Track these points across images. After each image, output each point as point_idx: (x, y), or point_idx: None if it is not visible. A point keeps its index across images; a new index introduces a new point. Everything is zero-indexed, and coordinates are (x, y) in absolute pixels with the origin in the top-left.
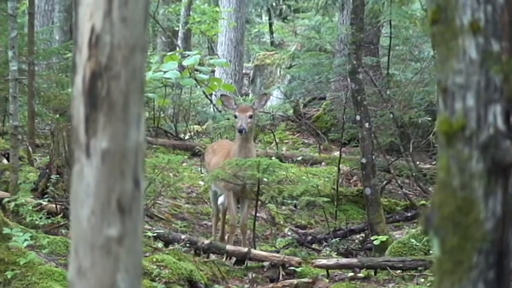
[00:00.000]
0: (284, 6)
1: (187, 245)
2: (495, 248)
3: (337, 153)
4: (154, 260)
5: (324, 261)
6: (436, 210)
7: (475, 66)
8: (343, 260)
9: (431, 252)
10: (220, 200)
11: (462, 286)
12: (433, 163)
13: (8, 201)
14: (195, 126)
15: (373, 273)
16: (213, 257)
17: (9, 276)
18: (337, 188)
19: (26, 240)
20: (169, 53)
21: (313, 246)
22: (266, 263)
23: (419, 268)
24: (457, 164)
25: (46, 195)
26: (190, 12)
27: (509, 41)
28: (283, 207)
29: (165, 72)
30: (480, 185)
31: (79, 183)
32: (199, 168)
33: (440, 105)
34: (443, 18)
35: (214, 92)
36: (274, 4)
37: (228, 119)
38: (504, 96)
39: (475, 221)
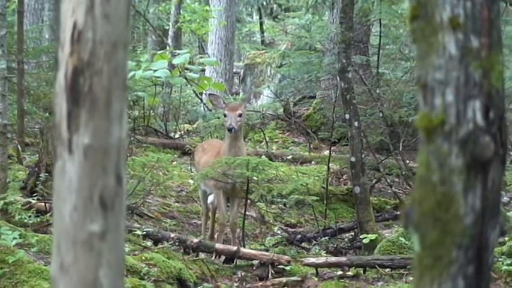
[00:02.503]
0: (275, 5)
1: (177, 243)
2: (474, 243)
3: (327, 152)
4: (143, 258)
5: (313, 260)
6: (415, 206)
7: (455, 62)
8: (332, 259)
9: None
10: (210, 198)
11: (442, 281)
12: None
13: None
14: (185, 125)
15: (362, 271)
16: (202, 255)
17: None
18: (327, 186)
19: (14, 238)
20: (159, 52)
21: (303, 244)
22: (255, 262)
23: (408, 266)
24: (436, 159)
25: (35, 194)
26: (181, 11)
27: (489, 37)
28: (273, 206)
29: (155, 71)
30: (459, 180)
31: (61, 179)
32: (189, 167)
33: (420, 101)
34: (423, 14)
35: (204, 91)
36: (264, 3)
37: (218, 117)
38: (483, 91)
39: (455, 216)
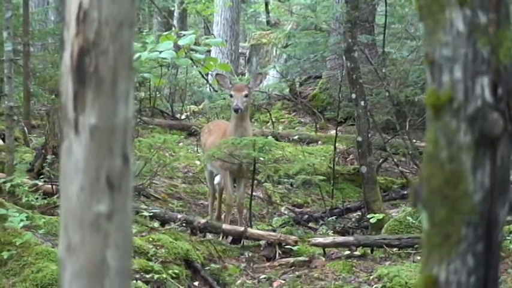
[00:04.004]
0: None
1: (184, 224)
2: (483, 220)
3: (333, 132)
4: (150, 239)
5: (320, 240)
6: (424, 183)
7: (462, 38)
8: (340, 239)
9: None
10: (217, 179)
11: (451, 259)
12: None
13: (4, 182)
14: (191, 106)
15: (369, 251)
16: (209, 236)
17: (5, 257)
18: (334, 166)
19: (22, 220)
20: (165, 33)
21: (310, 224)
22: (262, 242)
23: (416, 246)
24: (444, 136)
25: (42, 176)
26: None
27: (496, 13)
28: (280, 186)
29: (160, 52)
30: (468, 158)
31: (68, 159)
32: (196, 148)
33: (427, 77)
34: None
35: (210, 72)
36: None
37: (224, 98)
38: (491, 68)
39: (463, 193)
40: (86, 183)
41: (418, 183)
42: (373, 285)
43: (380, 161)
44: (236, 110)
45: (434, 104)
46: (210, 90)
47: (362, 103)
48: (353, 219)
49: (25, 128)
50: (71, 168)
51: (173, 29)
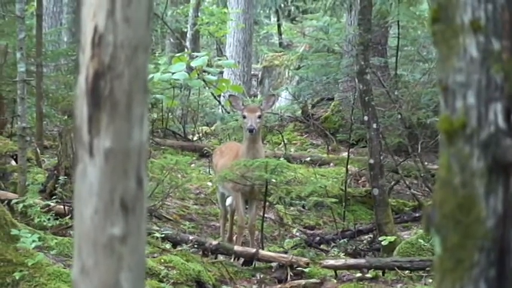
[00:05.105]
0: (292, 8)
1: (195, 245)
2: (496, 246)
3: (345, 154)
4: (162, 260)
5: (332, 262)
6: (437, 208)
7: (476, 64)
8: (351, 261)
9: None
10: (229, 201)
11: (463, 284)
12: None
13: (16, 203)
14: (203, 127)
15: (381, 273)
16: (221, 257)
17: (17, 277)
18: (345, 188)
19: (34, 241)
20: (177, 54)
21: (321, 246)
22: (274, 264)
23: (427, 268)
24: (458, 162)
25: (54, 197)
26: (199, 14)
27: (510, 40)
28: (292, 208)
29: (173, 73)
30: (481, 183)
31: (82, 182)
32: (208, 169)
33: (441, 103)
34: (444, 17)
35: (222, 93)
36: (282, 5)
37: (237, 120)
38: (505, 94)
39: (476, 219)
40: (100, 206)
41: (430, 208)
42: None
43: (392, 184)
44: (251, 131)
45: (447, 129)
46: (222, 111)
47: (374, 125)
48: (365, 242)
49: (37, 149)
50: (86, 191)
51: (186, 50)
